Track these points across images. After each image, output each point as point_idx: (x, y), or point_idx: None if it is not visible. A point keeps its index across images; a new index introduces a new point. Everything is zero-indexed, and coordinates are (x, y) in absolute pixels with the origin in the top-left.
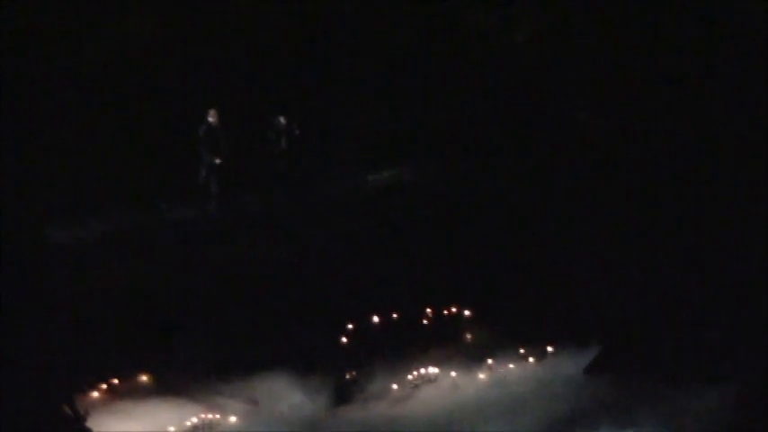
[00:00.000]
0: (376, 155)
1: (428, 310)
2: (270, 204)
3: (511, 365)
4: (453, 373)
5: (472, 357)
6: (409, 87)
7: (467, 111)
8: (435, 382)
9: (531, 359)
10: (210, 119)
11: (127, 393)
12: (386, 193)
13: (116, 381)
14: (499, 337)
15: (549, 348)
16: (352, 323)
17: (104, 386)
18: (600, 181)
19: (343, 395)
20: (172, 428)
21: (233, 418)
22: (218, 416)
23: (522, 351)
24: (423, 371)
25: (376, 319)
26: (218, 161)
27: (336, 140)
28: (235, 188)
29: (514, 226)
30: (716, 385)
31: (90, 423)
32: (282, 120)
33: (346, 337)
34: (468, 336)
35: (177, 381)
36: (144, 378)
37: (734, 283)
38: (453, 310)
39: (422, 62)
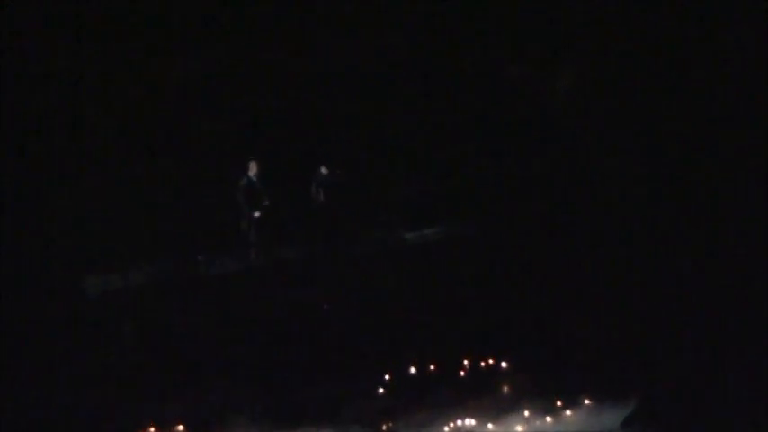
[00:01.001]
0: (415, 213)
1: (465, 361)
2: (309, 257)
3: (548, 418)
4: (490, 425)
5: (509, 409)
6: (448, 146)
7: (504, 168)
8: None
9: (568, 411)
10: (251, 172)
11: None
12: (424, 250)
13: (153, 429)
14: (536, 388)
15: (587, 401)
16: (388, 374)
17: None
18: (639, 230)
19: None
20: None
21: None
22: None
23: (558, 403)
24: (459, 423)
25: (413, 370)
26: (257, 214)
27: (377, 199)
28: (274, 240)
29: (552, 278)
30: None
31: None
32: (325, 172)
33: (383, 387)
34: (505, 387)
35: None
36: (180, 427)
37: None
38: (490, 361)
39: (462, 121)
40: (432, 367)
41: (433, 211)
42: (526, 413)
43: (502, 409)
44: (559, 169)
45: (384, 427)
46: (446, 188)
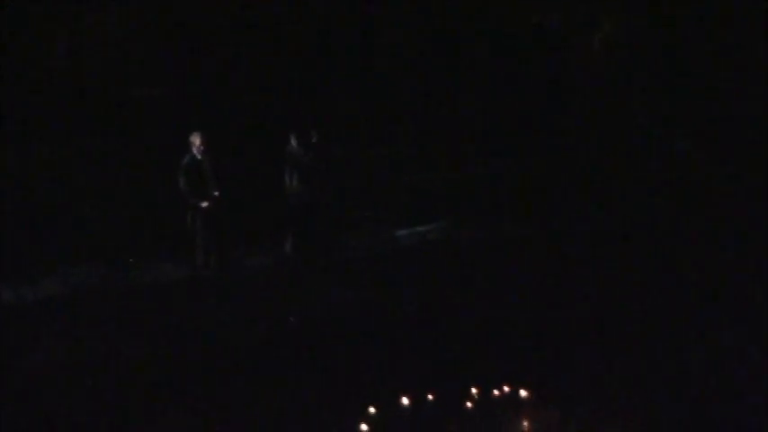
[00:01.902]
0: (405, 210)
1: (473, 390)
2: (274, 261)
3: None
4: None
5: None
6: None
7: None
8: None
9: None
10: (195, 147)
11: None
12: (419, 250)
13: None
14: (564, 423)
15: None
16: (373, 406)
17: None
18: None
19: None
20: None
21: None
22: None
23: None
24: None
25: (405, 401)
26: (205, 204)
27: (363, 193)
28: (228, 240)
29: (578, 285)
30: None
31: None
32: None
33: (367, 424)
34: (525, 423)
35: None
36: None
37: None
38: (505, 389)
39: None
40: (429, 397)
41: (430, 206)
42: None
43: None
44: (561, 167)
45: None
46: (446, 179)
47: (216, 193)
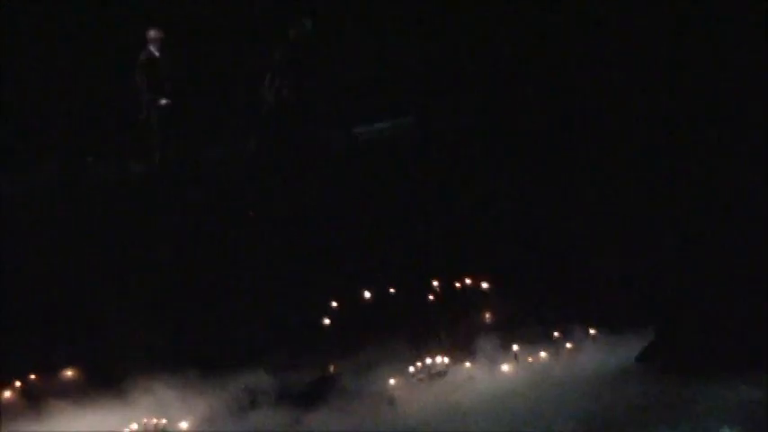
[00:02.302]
0: (366, 105)
1: (434, 282)
2: (236, 157)
3: (542, 353)
4: (468, 364)
5: (492, 344)
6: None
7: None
8: (445, 376)
9: (567, 345)
10: (151, 42)
11: (49, 392)
12: (378, 148)
13: (34, 377)
14: (527, 317)
15: (591, 331)
16: (335, 300)
17: (19, 384)
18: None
19: (323, 395)
20: None
21: (183, 424)
22: (164, 420)
23: (556, 335)
24: (428, 361)
25: (367, 294)
26: (163, 101)
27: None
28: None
29: (548, 179)
30: None
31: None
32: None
33: (328, 317)
34: (488, 316)
35: (113, 376)
36: (70, 373)
37: None
38: (467, 282)
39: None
40: (391, 290)
41: (390, 100)
42: (514, 347)
43: (483, 343)
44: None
45: (330, 370)
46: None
47: (163, 102)
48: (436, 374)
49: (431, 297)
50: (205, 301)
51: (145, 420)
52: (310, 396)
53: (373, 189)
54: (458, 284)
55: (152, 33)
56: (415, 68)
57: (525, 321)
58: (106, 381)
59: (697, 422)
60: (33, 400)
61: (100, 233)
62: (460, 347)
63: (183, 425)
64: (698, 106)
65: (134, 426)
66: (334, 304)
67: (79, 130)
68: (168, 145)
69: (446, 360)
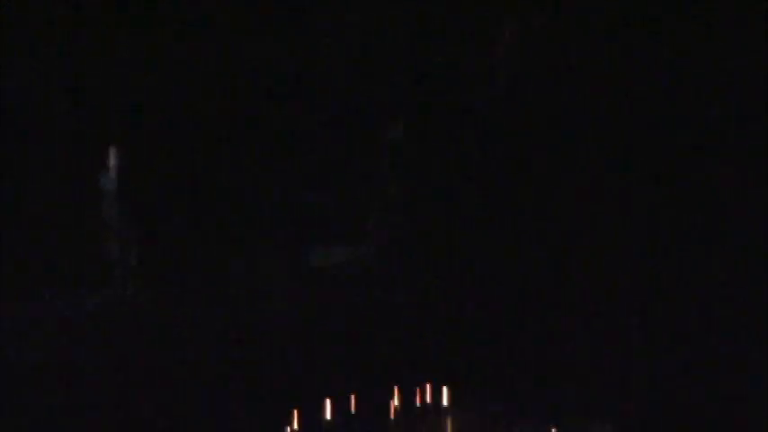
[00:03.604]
0: (320, 229)
1: (394, 388)
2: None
3: None
4: None
5: None
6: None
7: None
8: None
9: None
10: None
11: None
12: (333, 271)
13: None
14: (487, 418)
15: (553, 430)
16: (297, 410)
17: None
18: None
19: None
20: None
21: None
22: None
23: None
24: None
25: (328, 404)
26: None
27: (273, 211)
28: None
29: (498, 282)
30: None
31: None
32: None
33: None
34: (449, 421)
35: None
36: None
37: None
38: (426, 387)
39: None
40: (351, 398)
41: (343, 225)
42: None
43: None
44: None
45: None
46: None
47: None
48: None
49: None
50: (164, 411)
51: None
52: None
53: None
54: (417, 390)
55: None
56: None
57: (484, 424)
58: None
59: None
60: None
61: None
62: None
63: None
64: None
65: None
66: (296, 413)
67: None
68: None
69: None
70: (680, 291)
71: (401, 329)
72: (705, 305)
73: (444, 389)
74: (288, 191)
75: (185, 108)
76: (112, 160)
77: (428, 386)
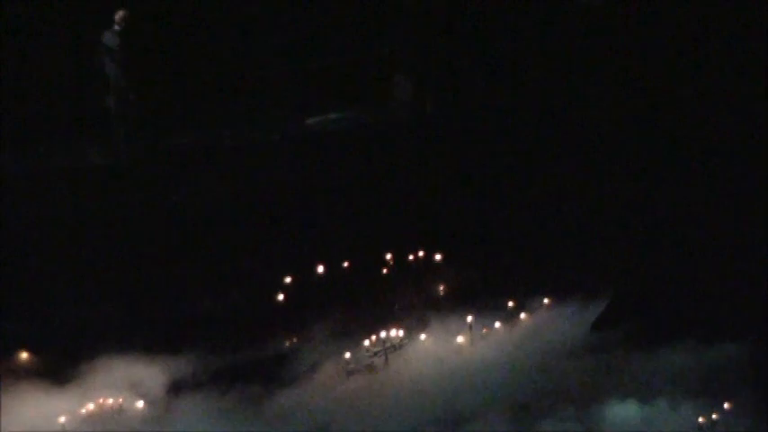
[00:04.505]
0: (316, 95)
1: (387, 255)
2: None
3: (497, 323)
4: (423, 336)
5: (447, 315)
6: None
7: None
8: (400, 348)
9: (522, 315)
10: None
11: (3, 375)
12: (330, 137)
13: None
14: (481, 287)
15: (546, 300)
16: (289, 275)
17: None
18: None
19: (279, 370)
20: (62, 419)
21: (140, 403)
22: (120, 399)
23: (510, 305)
24: (383, 335)
25: (321, 269)
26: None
27: (270, 78)
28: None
29: (497, 147)
30: (739, 341)
31: None
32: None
33: (283, 292)
34: (441, 288)
35: (66, 358)
36: (24, 355)
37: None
38: (420, 254)
39: None
40: (345, 264)
41: (340, 92)
42: (469, 318)
43: (438, 315)
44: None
45: (286, 344)
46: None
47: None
48: (392, 348)
49: (384, 271)
50: (157, 281)
51: (101, 400)
52: (266, 372)
53: (325, 169)
54: (411, 257)
55: (120, 14)
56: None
57: (479, 292)
58: (60, 362)
59: (651, 389)
60: None
61: (51, 219)
62: (415, 320)
63: (140, 404)
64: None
65: (90, 405)
66: (288, 279)
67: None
68: (133, 135)
69: (401, 333)
70: None
71: (400, 196)
72: None
73: (438, 255)
74: (291, 55)
75: None
76: (117, 19)
77: (421, 252)
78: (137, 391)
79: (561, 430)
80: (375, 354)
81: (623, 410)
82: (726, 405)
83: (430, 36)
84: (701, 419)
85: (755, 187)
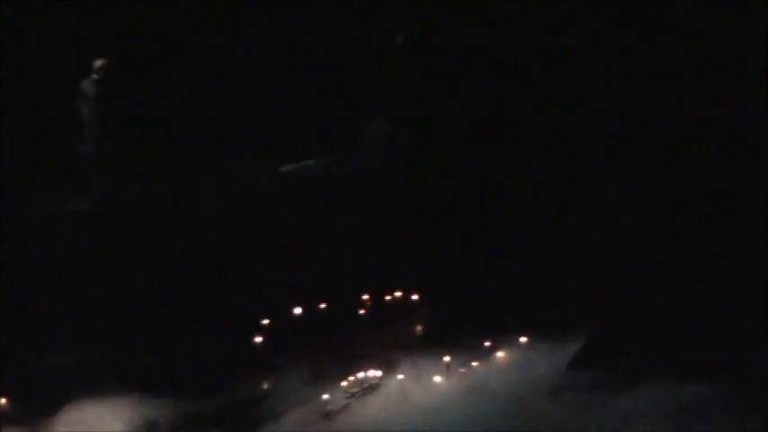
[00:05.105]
0: (291, 142)
1: (364, 296)
2: (165, 195)
3: (474, 363)
4: (400, 377)
5: (424, 355)
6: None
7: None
8: (378, 389)
9: (499, 354)
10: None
11: None
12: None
13: None
14: (458, 327)
15: (523, 339)
16: (266, 317)
17: None
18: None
19: (256, 412)
20: None
21: None
22: None
23: (487, 344)
24: (360, 375)
25: (298, 310)
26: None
27: (245, 124)
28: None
29: (470, 188)
30: (716, 382)
31: None
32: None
33: (260, 334)
34: (419, 328)
35: (44, 403)
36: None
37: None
38: (397, 295)
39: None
40: (322, 306)
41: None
42: (446, 359)
43: (415, 355)
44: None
45: (264, 387)
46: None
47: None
48: (369, 388)
49: (361, 311)
50: (133, 325)
51: None
52: (243, 414)
53: (302, 214)
54: (388, 298)
55: (99, 63)
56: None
57: (456, 332)
58: (37, 408)
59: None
60: None
61: (26, 265)
62: (393, 360)
63: None
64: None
65: None
66: (266, 322)
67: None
68: (109, 181)
69: (378, 373)
70: None
71: (376, 239)
72: None
73: (414, 295)
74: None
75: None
76: (95, 68)
77: (398, 292)
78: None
79: None
80: (353, 395)
81: None
82: None
83: (402, 82)
84: None
85: (732, 227)
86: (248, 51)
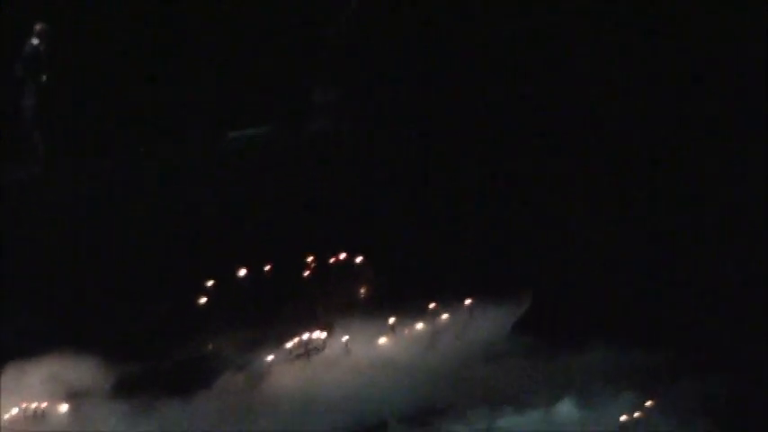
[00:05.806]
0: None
1: (309, 258)
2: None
3: (418, 325)
4: (345, 338)
5: (368, 316)
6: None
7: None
8: (322, 350)
9: (443, 316)
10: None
11: None
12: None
13: None
14: (402, 289)
15: (467, 301)
16: (211, 279)
17: None
18: None
19: (201, 373)
20: None
21: (64, 407)
22: (44, 404)
23: (431, 306)
24: (305, 336)
25: (243, 272)
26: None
27: (193, 91)
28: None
29: (416, 149)
30: (658, 350)
31: None
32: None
33: (205, 296)
34: (363, 289)
35: None
36: None
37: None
38: (342, 257)
39: None
40: (266, 267)
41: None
42: (391, 320)
43: (360, 316)
44: None
45: (208, 348)
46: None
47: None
48: (313, 349)
49: (306, 273)
50: (79, 284)
51: (24, 405)
52: (189, 375)
53: (248, 177)
54: (332, 260)
55: (39, 26)
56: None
57: (401, 294)
58: None
59: (573, 389)
60: None
61: None
62: (337, 322)
63: (64, 407)
64: None
65: (14, 410)
66: (210, 283)
67: None
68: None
69: (323, 335)
70: None
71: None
72: None
73: (359, 257)
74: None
75: None
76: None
77: (342, 254)
78: (60, 395)
79: None
80: (297, 356)
81: (540, 413)
82: (648, 403)
83: (352, 45)
84: (623, 418)
85: (666, 192)
86: (195, 21)
